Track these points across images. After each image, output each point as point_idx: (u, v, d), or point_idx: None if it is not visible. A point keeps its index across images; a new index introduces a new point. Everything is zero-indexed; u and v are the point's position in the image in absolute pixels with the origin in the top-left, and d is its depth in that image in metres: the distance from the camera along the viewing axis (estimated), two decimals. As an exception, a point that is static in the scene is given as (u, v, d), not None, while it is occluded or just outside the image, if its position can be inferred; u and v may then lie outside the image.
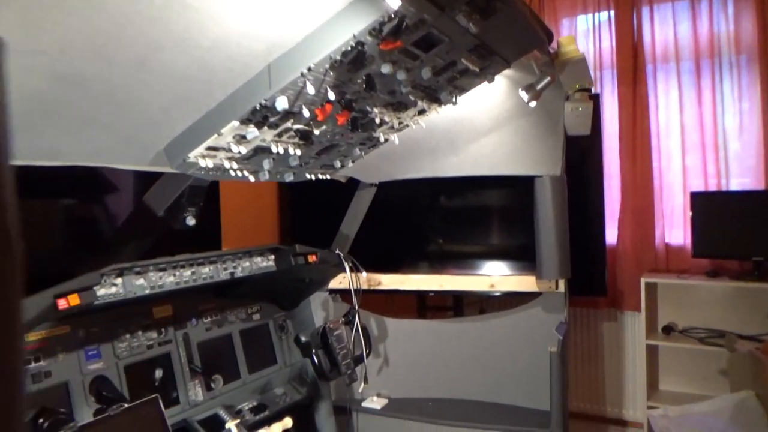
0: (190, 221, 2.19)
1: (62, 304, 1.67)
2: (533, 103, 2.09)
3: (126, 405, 1.72)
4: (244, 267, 2.48)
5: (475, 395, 2.97)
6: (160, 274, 2.12)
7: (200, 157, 1.65)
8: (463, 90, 1.97)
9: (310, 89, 1.48)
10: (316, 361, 2.61)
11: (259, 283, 2.76)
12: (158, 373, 2.39)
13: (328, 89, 1.54)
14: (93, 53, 1.09)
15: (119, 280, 1.97)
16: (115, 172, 2.75)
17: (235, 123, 1.53)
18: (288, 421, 1.95)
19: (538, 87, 2.06)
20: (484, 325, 3.00)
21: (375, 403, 3.01)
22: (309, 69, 1.42)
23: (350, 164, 2.24)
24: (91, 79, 1.17)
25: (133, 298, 2.04)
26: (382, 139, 2.10)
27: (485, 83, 1.97)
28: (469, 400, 2.98)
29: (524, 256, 3.19)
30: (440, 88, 1.88)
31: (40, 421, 1.59)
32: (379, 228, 3.48)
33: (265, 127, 1.63)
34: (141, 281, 2.04)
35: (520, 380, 2.86)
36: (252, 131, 1.59)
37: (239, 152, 1.67)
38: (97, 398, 1.90)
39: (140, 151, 1.61)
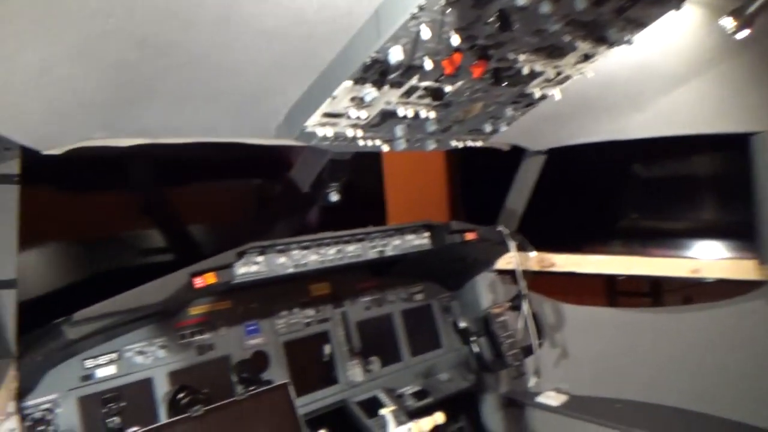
0: (334, 197, 2.10)
1: (198, 282, 1.68)
2: (743, 34, 1.58)
3: (257, 389, 1.68)
4: (394, 245, 2.34)
5: (676, 401, 2.46)
6: (303, 252, 2.07)
7: (318, 126, 1.51)
8: (638, 24, 1.55)
9: (426, 33, 1.24)
10: (475, 349, 2.38)
11: (418, 262, 2.61)
12: (327, 349, 2.38)
13: (451, 33, 1.28)
14: (165, 13, 1.00)
15: (261, 258, 1.95)
16: (295, 151, 2.79)
17: (348, 83, 1.36)
18: (439, 417, 1.75)
19: (750, 10, 1.54)
20: (688, 318, 2.47)
21: (552, 398, 2.67)
22: (420, 8, 1.19)
23: (504, 128, 1.94)
24: (173, 44, 1.09)
25: (276, 277, 2.02)
26: (537, 94, 1.77)
27: (671, 12, 1.52)
28: (668, 406, 2.48)
29: (742, 235, 2.55)
30: (606, 24, 1.49)
31: (180, 396, 1.63)
32: (556, 201, 3.09)
33: (386, 87, 1.43)
34: (283, 259, 2.01)
35: (736, 388, 2.29)
36: (370, 92, 1.41)
37: (360, 117, 1.50)
38: (239, 379, 1.91)
39: (259, 123, 1.53)
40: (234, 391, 1.91)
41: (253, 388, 1.69)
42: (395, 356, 2.62)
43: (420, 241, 2.41)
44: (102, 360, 1.87)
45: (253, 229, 2.68)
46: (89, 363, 1.85)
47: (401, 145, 1.76)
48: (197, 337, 2.09)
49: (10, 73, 0.97)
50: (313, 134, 1.54)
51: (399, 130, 1.68)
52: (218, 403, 1.48)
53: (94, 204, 2.48)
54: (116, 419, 1.65)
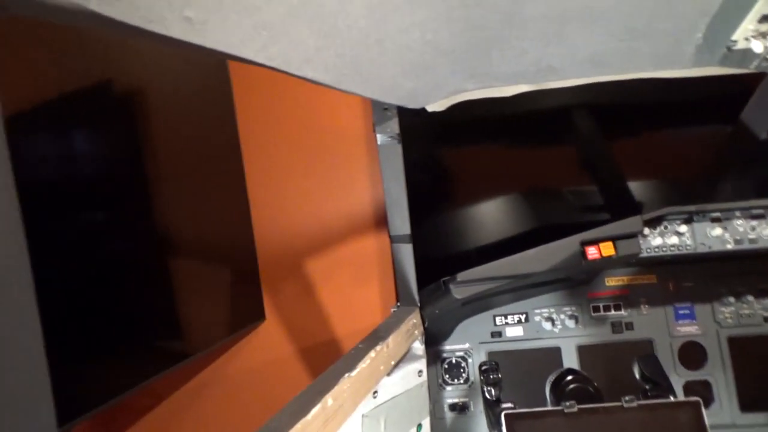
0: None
1: (592, 253, 1.42)
2: None
3: (656, 396, 1.30)
4: None
5: None
6: (753, 222, 1.51)
7: (755, 37, 1.00)
8: None
9: None
10: None
11: None
12: None
13: None
14: None
15: (685, 228, 1.52)
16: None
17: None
18: None
19: None
20: None
21: None
22: None
23: None
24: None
25: (708, 254, 1.54)
26: None
27: None
28: None
29: None
30: None
31: (567, 379, 1.42)
32: None
33: None
34: (719, 231, 1.51)
35: None
36: None
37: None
38: (641, 376, 1.55)
39: (665, 46, 1.11)
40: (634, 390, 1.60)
41: (653, 393, 1.33)
42: None
43: None
44: (510, 320, 1.86)
45: (703, 187, 2.19)
46: (499, 320, 1.86)
47: None
48: (612, 312, 1.84)
49: (367, 36, 0.94)
50: (746, 53, 1.04)
51: None
52: (597, 405, 1.21)
53: (537, 158, 2.50)
54: (493, 390, 1.59)
